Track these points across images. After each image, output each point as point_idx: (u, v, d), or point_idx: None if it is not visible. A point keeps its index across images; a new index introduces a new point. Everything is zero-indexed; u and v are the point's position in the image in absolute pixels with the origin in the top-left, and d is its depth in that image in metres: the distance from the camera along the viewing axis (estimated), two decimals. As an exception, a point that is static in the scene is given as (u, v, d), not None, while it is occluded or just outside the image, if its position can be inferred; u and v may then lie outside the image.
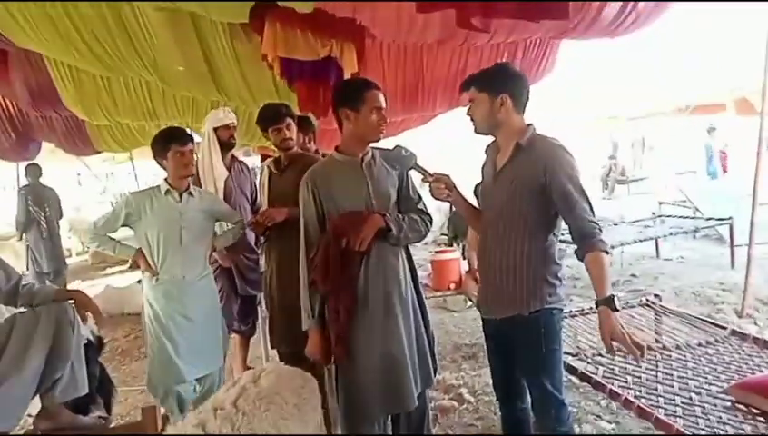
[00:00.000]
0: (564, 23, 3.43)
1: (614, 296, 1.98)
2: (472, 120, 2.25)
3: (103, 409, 2.64)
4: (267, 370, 2.10)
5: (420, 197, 2.45)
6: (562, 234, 2.25)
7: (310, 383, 2.15)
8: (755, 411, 2.15)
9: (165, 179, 2.93)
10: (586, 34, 4.08)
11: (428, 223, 2.41)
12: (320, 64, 3.54)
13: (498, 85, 2.15)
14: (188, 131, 3.06)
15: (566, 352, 2.80)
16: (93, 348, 2.65)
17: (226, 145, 3.66)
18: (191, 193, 2.95)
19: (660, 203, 8.69)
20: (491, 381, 2.51)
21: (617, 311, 1.96)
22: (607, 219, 9.24)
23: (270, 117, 3.04)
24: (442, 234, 9.28)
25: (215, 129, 3.62)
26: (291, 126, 3.05)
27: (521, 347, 2.24)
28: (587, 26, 3.80)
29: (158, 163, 2.96)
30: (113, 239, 2.95)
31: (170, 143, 2.84)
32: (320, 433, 2.12)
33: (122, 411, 3.42)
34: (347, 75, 3.55)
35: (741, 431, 2.02)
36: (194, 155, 3.00)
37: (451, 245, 7.55)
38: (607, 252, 2.05)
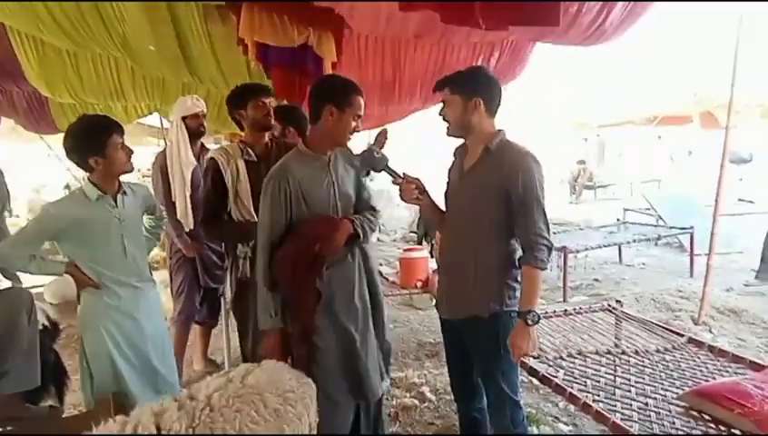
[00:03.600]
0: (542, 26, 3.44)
1: (532, 311, 2.08)
2: (445, 121, 2.25)
3: (55, 397, 2.55)
4: (263, 366, 1.93)
5: (369, 192, 2.46)
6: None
7: (304, 388, 1.94)
8: (707, 417, 2.20)
9: (90, 181, 2.38)
10: (563, 38, 4.12)
11: (378, 217, 2.43)
12: (298, 51, 3.48)
13: (472, 88, 2.17)
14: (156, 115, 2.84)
15: (528, 355, 2.83)
16: (48, 334, 2.55)
17: (195, 134, 3.58)
18: (125, 192, 2.46)
19: (625, 210, 8.88)
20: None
21: (530, 325, 2.09)
22: (573, 224, 9.44)
23: (254, 89, 2.80)
24: (411, 232, 9.31)
25: (184, 118, 3.53)
26: (272, 105, 2.84)
27: (479, 348, 2.28)
28: (564, 31, 3.83)
29: (81, 163, 2.35)
30: (35, 256, 2.36)
31: (110, 133, 2.31)
32: None
33: (74, 401, 3.31)
34: (327, 65, 3.51)
35: (693, 438, 2.07)
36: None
37: (420, 243, 7.58)
38: (542, 269, 2.12)
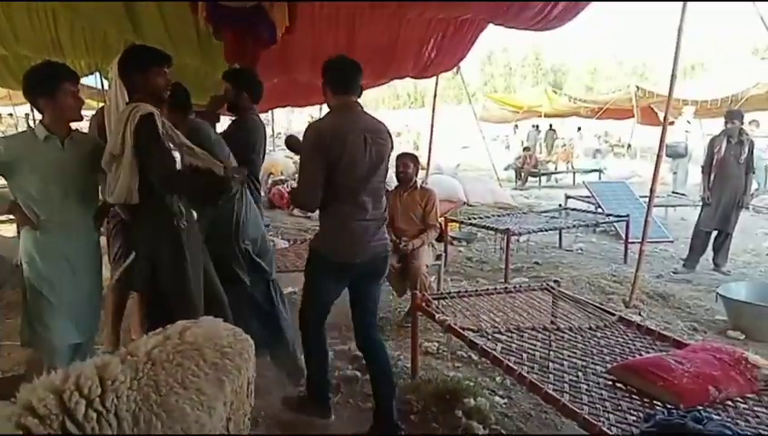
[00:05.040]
0: (495, 6, 3.49)
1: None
2: None
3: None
4: (199, 323, 1.95)
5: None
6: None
7: (242, 343, 1.98)
8: (633, 389, 2.32)
9: (41, 123, 2.50)
10: (515, 21, 4.18)
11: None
12: (251, 14, 3.38)
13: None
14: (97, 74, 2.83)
15: (467, 329, 2.92)
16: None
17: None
18: (72, 138, 2.55)
19: (567, 197, 9.16)
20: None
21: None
22: (517, 208, 9.67)
23: (160, 55, 2.58)
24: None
25: None
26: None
27: None
28: (516, 14, 3.89)
29: (33, 103, 2.53)
30: None
31: (62, 79, 2.46)
32: (237, 398, 1.88)
33: (4, 366, 3.17)
34: (279, 31, 3.42)
35: (619, 407, 2.18)
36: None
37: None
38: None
